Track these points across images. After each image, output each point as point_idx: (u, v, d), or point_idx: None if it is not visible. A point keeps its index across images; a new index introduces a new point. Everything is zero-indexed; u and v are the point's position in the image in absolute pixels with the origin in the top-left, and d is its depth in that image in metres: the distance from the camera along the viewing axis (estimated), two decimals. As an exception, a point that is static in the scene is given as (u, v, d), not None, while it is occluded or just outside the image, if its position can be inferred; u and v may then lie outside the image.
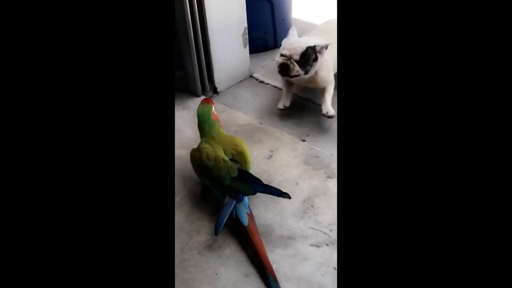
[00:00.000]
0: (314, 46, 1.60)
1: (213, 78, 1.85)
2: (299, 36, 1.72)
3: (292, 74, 1.61)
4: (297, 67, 1.59)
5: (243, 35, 1.86)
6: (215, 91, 1.88)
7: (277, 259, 1.20)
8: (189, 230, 1.32)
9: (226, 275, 1.19)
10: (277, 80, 1.92)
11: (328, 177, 1.44)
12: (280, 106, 1.73)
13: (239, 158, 1.34)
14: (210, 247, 1.26)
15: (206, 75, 1.84)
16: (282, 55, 1.62)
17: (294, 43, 1.63)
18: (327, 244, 1.24)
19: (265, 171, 1.47)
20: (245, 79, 1.99)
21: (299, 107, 1.80)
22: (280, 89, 1.84)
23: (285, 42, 1.66)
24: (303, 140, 1.62)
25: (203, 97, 1.81)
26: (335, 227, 1.28)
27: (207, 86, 1.86)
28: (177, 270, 1.20)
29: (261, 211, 1.34)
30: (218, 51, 1.80)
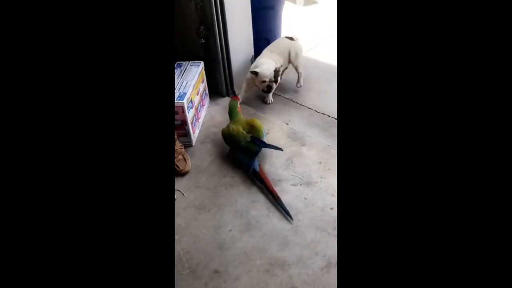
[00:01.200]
0: (276, 68, 1.63)
1: (234, 86, 1.86)
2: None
3: (272, 89, 1.67)
4: (274, 85, 1.66)
5: (251, 59, 1.86)
6: (234, 93, 1.89)
7: (271, 192, 1.25)
8: (220, 175, 1.35)
9: (241, 200, 1.23)
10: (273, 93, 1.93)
11: (302, 145, 1.47)
12: (241, 99, 1.69)
13: (252, 131, 1.37)
14: (232, 185, 1.30)
15: (229, 83, 1.84)
16: (263, 81, 1.62)
17: (266, 70, 1.61)
18: (300, 184, 1.28)
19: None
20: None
21: (284, 103, 1.79)
22: (278, 94, 1.85)
23: (260, 75, 1.61)
24: (287, 124, 1.63)
25: (229, 97, 1.82)
26: (305, 174, 1.32)
27: (229, 90, 1.87)
28: (212, 199, 1.24)
29: (263, 164, 1.37)
30: (236, 68, 1.81)
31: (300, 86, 1.88)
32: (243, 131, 1.37)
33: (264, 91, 1.69)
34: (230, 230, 1.14)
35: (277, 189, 1.25)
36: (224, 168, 1.38)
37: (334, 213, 1.16)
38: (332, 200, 1.21)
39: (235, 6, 1.60)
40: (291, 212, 1.16)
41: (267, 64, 1.65)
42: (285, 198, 1.22)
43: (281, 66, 1.68)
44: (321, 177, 1.31)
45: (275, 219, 1.16)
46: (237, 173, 1.34)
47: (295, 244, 1.08)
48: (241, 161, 1.34)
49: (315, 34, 2.66)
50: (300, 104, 1.80)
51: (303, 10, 3.35)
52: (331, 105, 1.78)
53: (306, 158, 1.40)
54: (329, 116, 1.70)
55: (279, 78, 1.68)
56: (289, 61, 1.81)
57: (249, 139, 1.34)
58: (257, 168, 1.29)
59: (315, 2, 3.51)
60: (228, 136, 1.40)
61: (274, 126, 1.60)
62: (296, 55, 1.80)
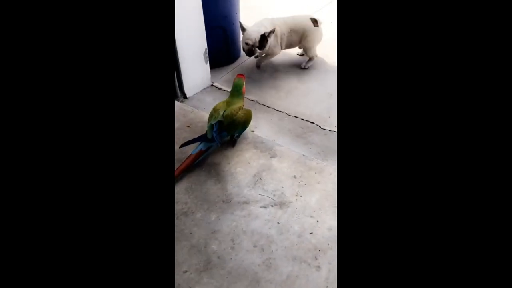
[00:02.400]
0: (264, 33, 1.84)
1: (183, 87, 1.82)
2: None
3: (255, 55, 1.93)
4: (257, 50, 1.88)
5: (204, 54, 1.84)
6: (184, 96, 1.85)
7: (236, 218, 1.21)
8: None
9: (198, 232, 1.19)
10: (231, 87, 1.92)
11: (271, 157, 1.46)
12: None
13: (226, 117, 1.41)
14: (185, 213, 1.25)
15: (177, 84, 1.80)
16: (247, 43, 1.86)
17: (251, 33, 1.85)
18: (272, 206, 1.26)
19: (224, 155, 1.47)
20: (207, 87, 1.96)
21: (248, 106, 1.78)
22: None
23: (245, 34, 1.87)
24: (252, 131, 1.62)
25: (180, 100, 1.78)
26: (278, 193, 1.30)
27: (178, 93, 1.83)
28: (161, 232, 1.19)
29: (224, 184, 1.33)
30: (186, 66, 1.77)
31: (304, 67, 2.08)
32: (220, 112, 1.42)
33: (245, 53, 1.93)
34: (185, 272, 1.08)
35: (243, 213, 1.22)
36: (175, 193, 1.33)
37: (314, 239, 1.15)
38: (310, 222, 1.20)
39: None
40: (260, 243, 1.14)
41: (258, 26, 1.88)
42: (253, 226, 1.19)
43: (272, 33, 1.89)
44: (296, 195, 1.30)
45: (242, 252, 1.12)
46: (190, 197, 1.30)
47: (268, 282, 1.05)
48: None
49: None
50: (268, 106, 1.80)
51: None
52: (304, 106, 1.79)
53: (278, 172, 1.39)
54: (302, 119, 1.71)
55: (266, 45, 1.88)
56: (300, 42, 2.03)
57: (214, 122, 1.40)
58: (194, 151, 1.38)
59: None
60: (211, 110, 1.49)
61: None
62: (310, 39, 2.01)
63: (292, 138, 1.60)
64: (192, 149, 1.41)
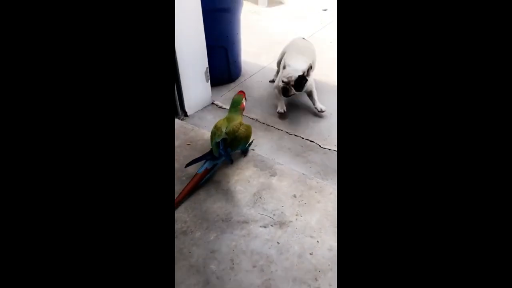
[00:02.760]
0: (303, 73, 1.73)
1: (184, 105, 1.84)
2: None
3: (290, 95, 1.79)
4: (293, 90, 1.76)
5: (205, 72, 1.87)
6: (185, 114, 1.87)
7: (235, 238, 1.21)
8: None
9: (197, 252, 1.18)
10: (232, 106, 1.95)
11: (271, 175, 1.46)
12: (280, 110, 1.86)
13: (229, 134, 1.44)
14: (184, 232, 1.25)
15: (178, 102, 1.82)
16: (283, 81, 1.76)
17: (290, 72, 1.75)
18: (271, 225, 1.26)
19: (225, 173, 1.47)
20: (208, 105, 1.98)
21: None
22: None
23: (284, 72, 1.77)
24: (253, 149, 1.63)
25: (181, 118, 1.80)
26: (277, 212, 1.30)
27: (179, 110, 1.84)
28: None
29: (223, 203, 1.34)
30: (187, 85, 1.80)
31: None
32: (223, 130, 1.44)
33: (279, 92, 1.82)
34: (184, 292, 1.08)
35: (243, 233, 1.22)
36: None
37: (314, 259, 1.15)
38: (311, 242, 1.20)
39: (183, 9, 1.61)
40: (260, 263, 1.13)
41: (300, 62, 1.76)
42: (253, 246, 1.19)
43: (310, 69, 1.79)
44: (296, 215, 1.30)
45: (241, 273, 1.12)
46: (190, 216, 1.30)
47: (268, 304, 1.04)
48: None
49: (285, 37, 2.77)
50: (268, 125, 1.82)
51: (267, 12, 3.48)
52: (304, 125, 1.81)
53: (278, 191, 1.39)
54: (302, 138, 1.72)
55: (304, 84, 1.77)
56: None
57: (218, 139, 1.42)
58: (200, 170, 1.39)
59: (281, 3, 3.67)
60: (211, 130, 1.50)
61: (237, 153, 1.59)
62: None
63: (292, 156, 1.61)
64: (196, 169, 1.42)
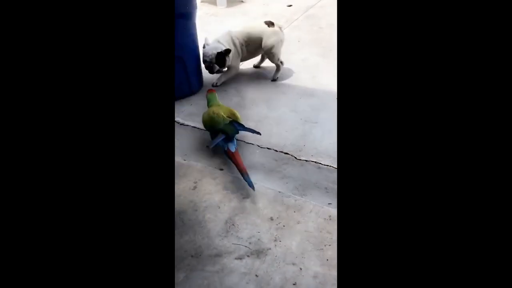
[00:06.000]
0: (221, 51, 2.04)
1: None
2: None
3: (215, 71, 2.11)
4: (217, 66, 2.09)
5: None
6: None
7: (208, 275, 1.14)
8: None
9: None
10: (195, 122, 1.89)
11: (244, 197, 1.41)
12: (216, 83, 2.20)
13: (231, 116, 1.67)
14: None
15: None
16: (205, 61, 2.09)
17: (208, 51, 2.06)
18: (248, 256, 1.20)
19: (190, 200, 1.41)
20: (168, 123, 1.92)
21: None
22: (199, 128, 1.82)
23: (203, 51, 2.09)
24: (221, 169, 1.58)
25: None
26: (254, 239, 1.25)
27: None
28: None
29: (191, 236, 1.27)
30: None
31: (274, 79, 2.24)
32: (223, 114, 1.65)
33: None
34: None
35: (216, 268, 1.16)
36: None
37: (298, 291, 1.10)
38: (293, 271, 1.15)
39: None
40: (239, 301, 1.07)
41: (216, 43, 2.08)
42: (228, 283, 1.12)
43: (229, 52, 2.08)
44: (275, 240, 1.25)
45: (217, 316, 1.05)
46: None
47: None
48: (217, 144, 1.59)
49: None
50: (237, 139, 1.77)
51: (227, 12, 3.45)
52: (276, 136, 1.77)
53: (252, 215, 1.34)
54: (276, 150, 1.68)
55: (225, 62, 2.10)
56: (261, 48, 2.20)
57: (227, 121, 1.62)
58: (233, 149, 1.56)
59: (242, 1, 3.64)
60: (207, 118, 1.69)
61: (203, 176, 1.53)
62: (269, 44, 2.15)
63: (266, 173, 1.57)
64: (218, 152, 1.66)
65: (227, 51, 2.06)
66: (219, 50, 2.04)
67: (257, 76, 2.32)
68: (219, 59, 2.06)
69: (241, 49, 2.17)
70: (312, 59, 2.48)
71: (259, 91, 2.13)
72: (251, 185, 1.43)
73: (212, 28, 2.84)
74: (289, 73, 2.30)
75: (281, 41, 2.19)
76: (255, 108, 1.97)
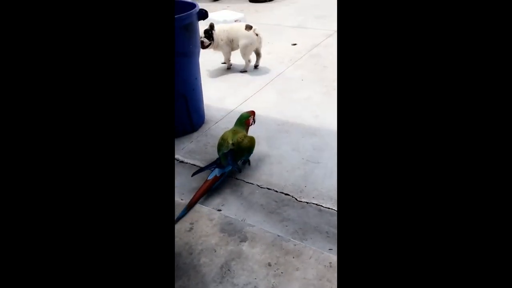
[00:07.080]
0: (206, 29, 2.73)
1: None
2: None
3: (206, 46, 2.74)
4: (207, 40, 2.74)
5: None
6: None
7: (200, 325, 1.10)
8: None
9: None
10: (195, 159, 1.88)
11: (241, 241, 1.38)
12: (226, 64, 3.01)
13: (235, 144, 1.70)
14: None
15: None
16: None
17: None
18: (243, 305, 1.16)
19: (186, 242, 1.38)
20: (168, 161, 1.92)
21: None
22: (198, 166, 1.81)
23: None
24: (219, 210, 1.55)
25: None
26: (250, 287, 1.21)
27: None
28: None
29: (185, 281, 1.23)
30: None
31: (242, 71, 2.93)
32: (230, 141, 1.70)
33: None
34: None
35: (209, 318, 1.11)
36: None
37: None
38: (291, 322, 1.10)
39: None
40: None
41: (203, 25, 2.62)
42: (220, 333, 1.07)
43: (212, 28, 2.76)
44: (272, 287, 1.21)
45: None
46: None
47: None
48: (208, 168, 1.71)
49: (251, 77, 2.77)
50: (236, 179, 1.75)
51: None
52: (277, 176, 1.76)
53: (249, 260, 1.30)
54: (276, 191, 1.66)
55: (212, 37, 2.75)
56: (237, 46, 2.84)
57: (227, 149, 1.68)
58: (210, 177, 1.65)
59: None
60: (219, 140, 1.79)
61: (200, 217, 1.51)
62: (242, 43, 2.78)
63: (265, 214, 1.54)
64: (203, 178, 1.67)
65: (211, 26, 2.75)
66: (205, 28, 2.72)
67: (260, 113, 2.33)
68: (207, 34, 2.73)
69: (219, 42, 2.82)
70: (316, 97, 2.50)
71: (261, 128, 2.14)
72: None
73: (214, 68, 2.89)
74: (292, 112, 2.32)
75: (251, 44, 2.78)
76: (256, 146, 1.97)
